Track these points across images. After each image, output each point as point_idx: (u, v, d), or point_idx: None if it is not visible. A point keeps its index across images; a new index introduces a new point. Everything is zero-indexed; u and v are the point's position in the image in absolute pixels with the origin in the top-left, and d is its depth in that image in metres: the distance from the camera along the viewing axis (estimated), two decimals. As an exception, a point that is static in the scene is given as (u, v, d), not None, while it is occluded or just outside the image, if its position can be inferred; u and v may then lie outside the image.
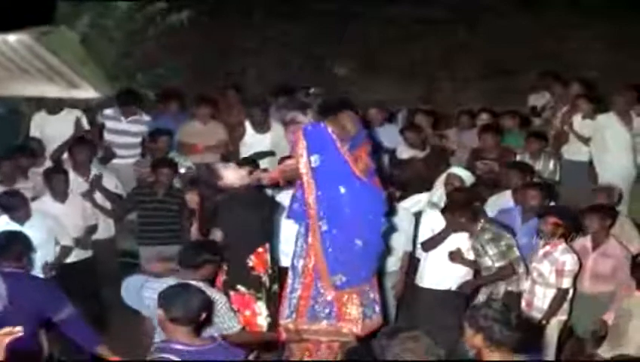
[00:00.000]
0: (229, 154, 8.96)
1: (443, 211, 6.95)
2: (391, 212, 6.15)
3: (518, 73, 12.41)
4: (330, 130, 5.40)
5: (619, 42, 12.41)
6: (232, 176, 5.74)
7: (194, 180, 7.57)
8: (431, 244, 7.01)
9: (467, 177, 7.67)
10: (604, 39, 12.56)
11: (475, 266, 6.92)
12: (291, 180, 5.79)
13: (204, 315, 4.46)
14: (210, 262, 5.46)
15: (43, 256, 7.05)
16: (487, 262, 6.78)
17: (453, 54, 12.90)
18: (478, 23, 12.69)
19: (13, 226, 6.97)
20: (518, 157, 8.60)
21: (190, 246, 5.75)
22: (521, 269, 6.81)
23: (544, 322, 6.58)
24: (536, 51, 12.50)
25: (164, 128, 8.78)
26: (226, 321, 5.36)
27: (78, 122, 8.73)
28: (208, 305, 4.56)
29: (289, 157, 6.45)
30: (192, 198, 7.08)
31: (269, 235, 6.70)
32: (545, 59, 12.13)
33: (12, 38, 5.42)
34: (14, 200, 7.10)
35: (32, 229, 6.99)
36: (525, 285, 6.79)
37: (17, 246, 5.61)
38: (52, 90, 7.09)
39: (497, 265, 6.75)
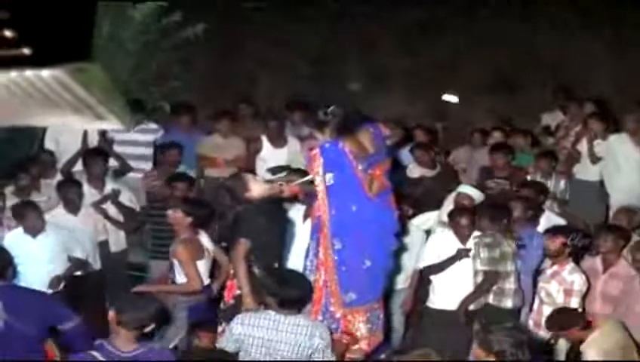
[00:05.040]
0: (247, 168, 9.00)
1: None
2: (402, 230, 6.16)
3: (526, 85, 12.44)
4: (347, 149, 5.43)
5: (627, 50, 12.39)
6: (258, 188, 5.76)
7: (184, 199, 7.28)
8: (436, 270, 7.06)
9: (477, 196, 7.66)
10: (613, 48, 12.53)
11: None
12: (309, 194, 5.82)
13: (150, 326, 4.71)
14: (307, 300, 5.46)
15: (53, 269, 7.08)
16: (477, 265, 6.80)
17: (459, 64, 12.89)
18: (484, 31, 12.66)
19: (26, 238, 7.03)
20: (529, 177, 8.61)
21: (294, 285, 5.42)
22: (512, 286, 6.81)
23: (552, 342, 6.58)
24: (543, 61, 12.51)
25: (174, 141, 8.83)
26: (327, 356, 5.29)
27: (85, 136, 8.70)
28: (158, 317, 4.81)
29: (299, 170, 6.49)
30: (173, 215, 6.84)
31: (286, 248, 6.69)
32: (552, 70, 12.21)
33: (46, 73, 5.56)
34: (27, 211, 7.12)
35: (44, 242, 7.08)
36: (509, 302, 6.79)
37: None
38: (79, 122, 7.20)
39: (482, 268, 6.76)
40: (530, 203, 7.51)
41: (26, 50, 5.91)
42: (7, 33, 6.01)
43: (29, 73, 5.63)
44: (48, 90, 5.82)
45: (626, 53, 12.33)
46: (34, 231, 7.07)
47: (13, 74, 5.59)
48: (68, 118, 7.14)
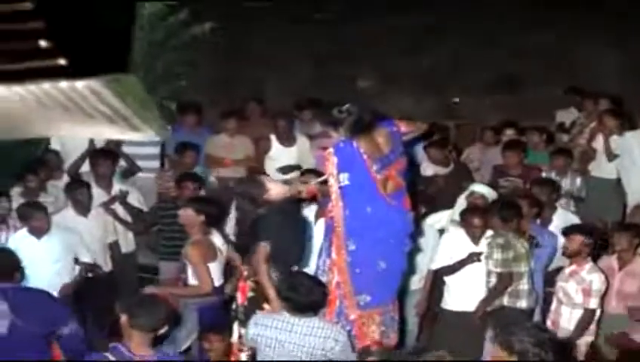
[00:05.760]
0: (256, 167, 8.91)
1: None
2: (417, 231, 6.05)
3: (534, 84, 12.35)
4: (361, 149, 5.30)
5: (635, 46, 12.26)
6: (277, 189, 5.67)
7: (194, 198, 7.19)
8: (448, 272, 6.99)
9: (490, 194, 7.57)
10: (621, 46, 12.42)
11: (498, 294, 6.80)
12: (327, 195, 5.72)
13: (164, 328, 4.69)
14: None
15: (59, 270, 7.04)
16: (491, 267, 6.70)
17: (466, 65, 12.81)
18: (488, 32, 12.60)
19: (31, 239, 6.97)
20: (543, 175, 8.50)
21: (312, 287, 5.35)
22: (525, 286, 6.70)
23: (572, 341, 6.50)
24: (550, 61, 12.42)
25: (191, 143, 8.72)
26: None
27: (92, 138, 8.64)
28: (170, 320, 4.85)
29: (313, 170, 6.42)
30: (184, 214, 6.75)
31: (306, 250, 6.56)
32: (561, 68, 12.12)
33: (80, 84, 5.54)
34: (32, 212, 7.05)
35: (48, 243, 7.02)
36: (524, 303, 6.69)
37: (6, 262, 5.51)
38: (113, 133, 7.17)
39: (495, 270, 6.67)
40: (536, 200, 7.41)
41: (62, 61, 5.86)
42: (42, 43, 5.96)
43: (63, 84, 5.60)
44: (83, 102, 5.80)
45: (633, 50, 12.23)
46: (39, 232, 7.00)
47: (47, 85, 5.56)
48: (103, 129, 7.12)
